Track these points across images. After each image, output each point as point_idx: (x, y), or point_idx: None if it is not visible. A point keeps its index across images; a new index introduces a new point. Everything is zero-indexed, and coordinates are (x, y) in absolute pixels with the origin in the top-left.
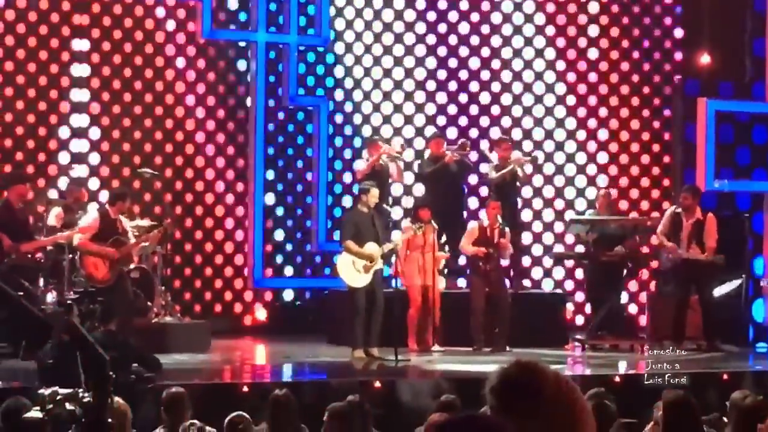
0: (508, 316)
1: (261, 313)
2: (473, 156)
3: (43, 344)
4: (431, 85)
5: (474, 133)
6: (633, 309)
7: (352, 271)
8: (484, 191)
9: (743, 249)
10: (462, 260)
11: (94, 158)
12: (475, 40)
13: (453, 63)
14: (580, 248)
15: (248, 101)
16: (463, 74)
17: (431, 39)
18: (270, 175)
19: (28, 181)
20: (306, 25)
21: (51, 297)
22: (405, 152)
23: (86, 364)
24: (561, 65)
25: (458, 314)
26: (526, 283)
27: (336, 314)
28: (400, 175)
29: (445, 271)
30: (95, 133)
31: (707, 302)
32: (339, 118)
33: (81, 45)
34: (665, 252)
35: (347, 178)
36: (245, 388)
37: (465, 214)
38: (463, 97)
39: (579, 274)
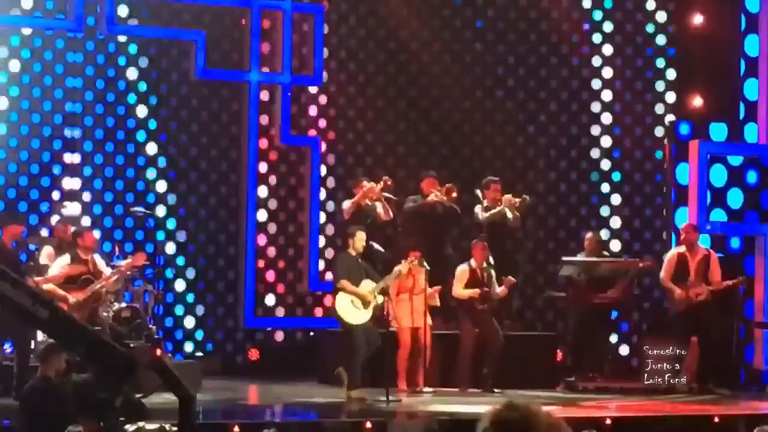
0: (498, 357)
1: (252, 353)
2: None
3: (130, 380)
4: (423, 127)
5: (466, 173)
6: (624, 350)
7: (351, 308)
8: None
9: (735, 290)
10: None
11: (87, 196)
12: (468, 81)
13: (446, 104)
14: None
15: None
16: (456, 116)
17: (425, 80)
18: (262, 215)
19: (23, 221)
20: (299, 65)
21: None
22: (388, 188)
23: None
24: (553, 106)
25: (449, 355)
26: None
27: (327, 355)
28: (387, 214)
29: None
30: (88, 170)
31: (706, 346)
32: (331, 159)
33: (75, 82)
34: (675, 296)
35: (339, 218)
36: (236, 429)
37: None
38: (456, 138)
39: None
